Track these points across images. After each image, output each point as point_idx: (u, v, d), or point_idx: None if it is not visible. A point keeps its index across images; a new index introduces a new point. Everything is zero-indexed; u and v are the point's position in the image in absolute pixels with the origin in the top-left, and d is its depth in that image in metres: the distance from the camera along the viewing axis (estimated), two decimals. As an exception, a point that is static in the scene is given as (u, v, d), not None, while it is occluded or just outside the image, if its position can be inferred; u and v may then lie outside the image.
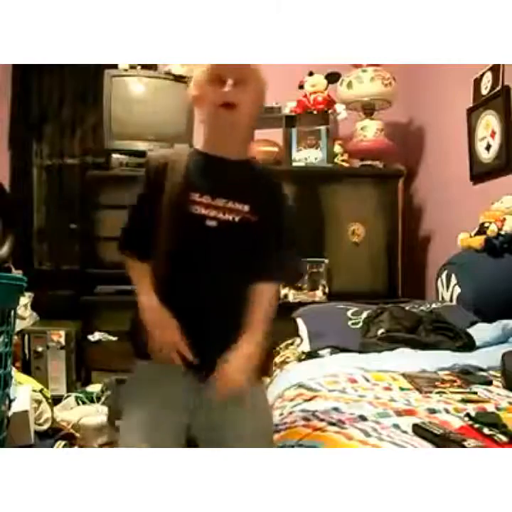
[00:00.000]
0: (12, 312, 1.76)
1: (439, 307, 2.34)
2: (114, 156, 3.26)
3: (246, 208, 1.20)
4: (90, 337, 3.08)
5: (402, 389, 1.52)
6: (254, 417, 1.21)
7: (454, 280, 2.45)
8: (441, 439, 1.08)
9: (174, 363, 1.15)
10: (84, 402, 2.60)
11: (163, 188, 1.21)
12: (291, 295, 3.18)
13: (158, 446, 1.09)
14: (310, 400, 1.48)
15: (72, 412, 2.48)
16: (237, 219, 1.19)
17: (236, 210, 1.20)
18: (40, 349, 3.03)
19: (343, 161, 3.41)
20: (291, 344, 2.34)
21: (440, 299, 2.57)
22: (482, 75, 2.82)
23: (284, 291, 3.17)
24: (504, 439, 1.08)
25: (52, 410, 2.35)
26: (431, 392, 1.46)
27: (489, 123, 2.75)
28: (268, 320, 1.21)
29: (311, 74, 3.45)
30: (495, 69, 2.69)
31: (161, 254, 1.22)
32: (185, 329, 1.16)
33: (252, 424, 1.19)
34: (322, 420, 1.28)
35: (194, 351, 1.15)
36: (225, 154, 1.24)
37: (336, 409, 1.34)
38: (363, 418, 1.26)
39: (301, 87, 3.46)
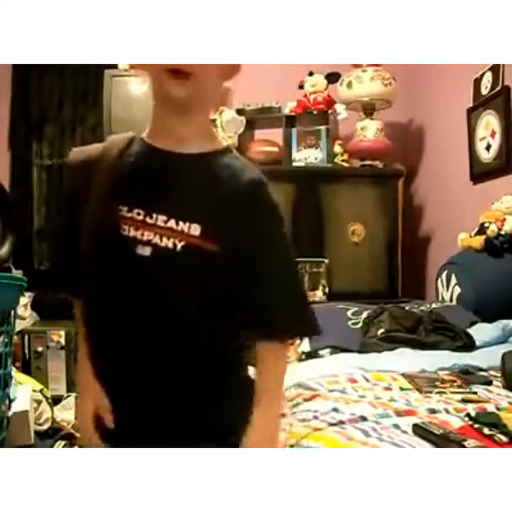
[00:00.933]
0: (12, 312, 1.76)
1: (439, 307, 2.34)
2: (114, 156, 3.26)
3: (196, 229, 0.80)
4: (90, 337, 3.08)
5: (402, 389, 1.52)
6: None
7: (454, 280, 2.45)
8: (441, 439, 1.08)
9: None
10: (84, 402, 2.59)
11: (86, 198, 0.85)
12: (291, 295, 3.18)
13: None
14: (310, 399, 1.48)
15: (72, 412, 2.48)
16: (179, 246, 0.80)
17: (180, 232, 0.80)
18: (40, 349, 3.03)
19: (343, 161, 3.41)
20: (291, 344, 2.34)
21: (440, 299, 2.57)
22: (482, 75, 2.82)
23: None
24: (504, 439, 1.08)
25: (52, 410, 2.35)
26: (431, 392, 1.46)
27: (489, 123, 2.75)
28: (281, 387, 0.93)
29: (311, 74, 3.45)
30: (495, 69, 2.69)
31: (87, 290, 0.87)
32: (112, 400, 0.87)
33: None
34: (322, 420, 1.28)
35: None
36: (173, 146, 0.85)
37: (335, 409, 1.34)
38: (363, 418, 1.26)
39: (301, 87, 3.46)
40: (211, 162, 0.86)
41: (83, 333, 0.89)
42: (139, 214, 0.82)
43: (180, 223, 0.81)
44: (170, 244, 0.80)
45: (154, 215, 0.81)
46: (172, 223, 0.81)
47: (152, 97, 0.87)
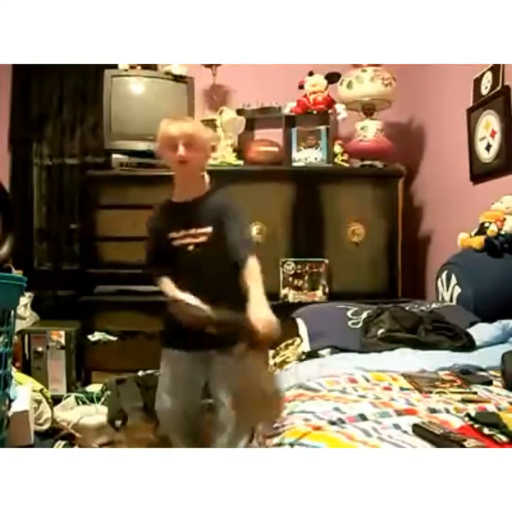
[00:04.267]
0: (12, 312, 1.76)
1: (439, 307, 2.34)
2: (114, 156, 3.26)
3: (209, 229, 1.74)
4: (90, 337, 3.08)
5: (402, 389, 1.52)
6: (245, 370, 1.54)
7: (454, 280, 2.45)
8: (441, 439, 1.08)
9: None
10: (84, 402, 2.60)
11: (158, 231, 1.82)
12: (291, 295, 3.18)
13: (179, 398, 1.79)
14: (310, 400, 1.48)
15: (72, 412, 2.48)
16: (204, 239, 1.74)
17: (203, 233, 1.74)
18: (40, 349, 3.03)
19: (343, 161, 3.41)
20: (291, 344, 2.34)
21: (440, 299, 2.57)
22: (482, 75, 2.82)
23: (284, 292, 3.18)
24: (504, 439, 1.08)
25: (52, 410, 2.35)
26: (431, 392, 1.46)
27: (489, 123, 2.75)
28: (261, 282, 1.63)
29: (311, 74, 3.45)
30: (495, 69, 2.69)
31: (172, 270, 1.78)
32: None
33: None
34: (322, 420, 1.28)
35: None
36: (188, 198, 1.79)
37: (336, 409, 1.34)
38: (363, 418, 1.26)
39: (301, 87, 3.46)
40: (206, 198, 1.80)
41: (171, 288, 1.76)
42: (181, 233, 1.77)
43: (203, 229, 1.75)
44: (200, 240, 1.75)
45: (189, 230, 1.76)
46: (199, 230, 1.75)
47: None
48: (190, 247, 1.75)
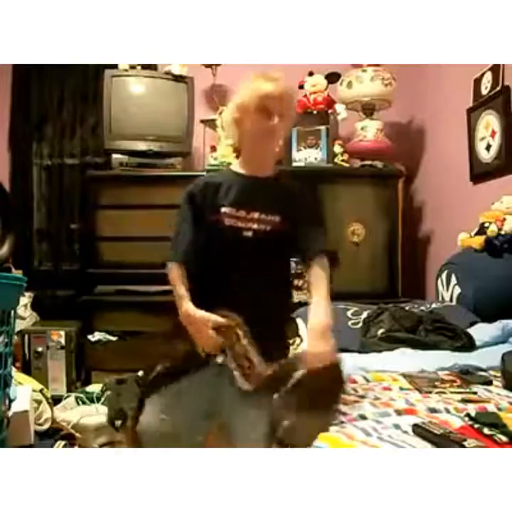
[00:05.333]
0: (12, 312, 1.76)
1: (439, 307, 2.33)
2: (114, 156, 3.26)
3: (276, 218, 1.40)
4: (90, 337, 3.08)
5: (402, 389, 1.52)
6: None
7: (454, 280, 2.45)
8: (441, 439, 1.08)
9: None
10: (84, 402, 2.60)
11: (203, 206, 1.42)
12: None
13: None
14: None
15: (72, 412, 2.48)
16: (268, 228, 1.40)
17: (268, 221, 1.40)
18: (40, 349, 3.03)
19: (343, 161, 3.41)
20: (292, 344, 2.33)
21: (440, 299, 2.57)
22: (482, 75, 2.82)
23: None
24: (504, 439, 1.08)
25: (52, 410, 2.35)
26: (431, 392, 1.46)
27: (489, 123, 2.75)
28: (329, 292, 1.37)
29: (311, 74, 3.45)
30: (495, 69, 2.69)
31: (206, 261, 1.42)
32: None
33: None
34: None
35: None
36: (259, 173, 1.45)
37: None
38: (363, 418, 1.26)
39: (301, 87, 3.46)
40: (275, 181, 1.47)
41: (184, 294, 1.39)
42: (241, 213, 1.39)
43: (269, 215, 1.40)
44: (263, 228, 1.39)
45: (252, 212, 1.39)
46: (263, 215, 1.40)
47: (242, 141, 1.46)
48: (248, 233, 1.38)
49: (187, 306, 1.37)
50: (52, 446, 2.17)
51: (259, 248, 1.39)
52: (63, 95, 3.71)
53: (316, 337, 1.29)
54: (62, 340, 3.05)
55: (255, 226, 1.38)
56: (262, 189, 1.43)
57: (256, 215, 1.39)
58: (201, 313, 1.35)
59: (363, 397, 1.45)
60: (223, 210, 1.39)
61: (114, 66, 3.28)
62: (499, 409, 1.31)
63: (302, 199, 1.48)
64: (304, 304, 2.74)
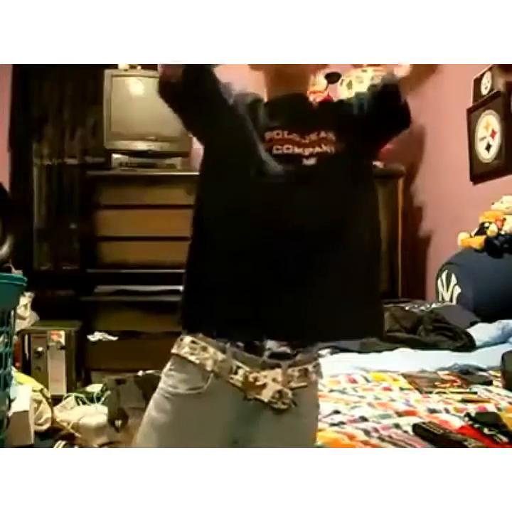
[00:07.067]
0: (12, 312, 1.76)
1: (439, 307, 2.33)
2: (114, 156, 3.26)
3: (331, 135, 1.00)
4: (90, 337, 3.08)
5: (402, 389, 1.52)
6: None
7: (454, 280, 2.45)
8: (441, 439, 1.08)
9: None
10: (84, 402, 2.60)
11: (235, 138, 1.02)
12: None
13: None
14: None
15: (72, 412, 2.48)
16: (333, 149, 0.98)
17: (328, 139, 0.99)
18: (40, 349, 3.03)
19: (343, 161, 3.40)
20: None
21: (440, 299, 2.57)
22: (482, 75, 2.82)
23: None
24: (504, 439, 1.08)
25: (52, 410, 2.35)
26: (431, 392, 1.46)
27: (489, 123, 2.75)
28: None
29: (311, 74, 3.45)
30: (495, 69, 2.69)
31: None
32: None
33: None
34: (323, 421, 1.28)
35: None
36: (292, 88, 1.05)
37: (336, 411, 1.34)
38: (363, 419, 1.26)
39: (301, 87, 3.46)
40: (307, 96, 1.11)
41: None
42: (295, 136, 0.98)
43: (329, 133, 0.99)
44: (328, 150, 0.98)
45: (308, 133, 0.99)
46: (322, 134, 0.99)
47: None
48: (310, 161, 0.97)
49: None
50: (52, 446, 2.17)
51: (326, 177, 0.99)
52: (63, 95, 3.71)
53: None
54: (62, 341, 3.05)
55: (314, 149, 0.98)
56: (306, 104, 1.08)
57: (311, 136, 0.99)
58: None
59: (363, 397, 1.45)
60: (266, 136, 0.99)
61: (114, 66, 3.28)
62: (499, 409, 1.31)
63: (345, 103, 1.09)
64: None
